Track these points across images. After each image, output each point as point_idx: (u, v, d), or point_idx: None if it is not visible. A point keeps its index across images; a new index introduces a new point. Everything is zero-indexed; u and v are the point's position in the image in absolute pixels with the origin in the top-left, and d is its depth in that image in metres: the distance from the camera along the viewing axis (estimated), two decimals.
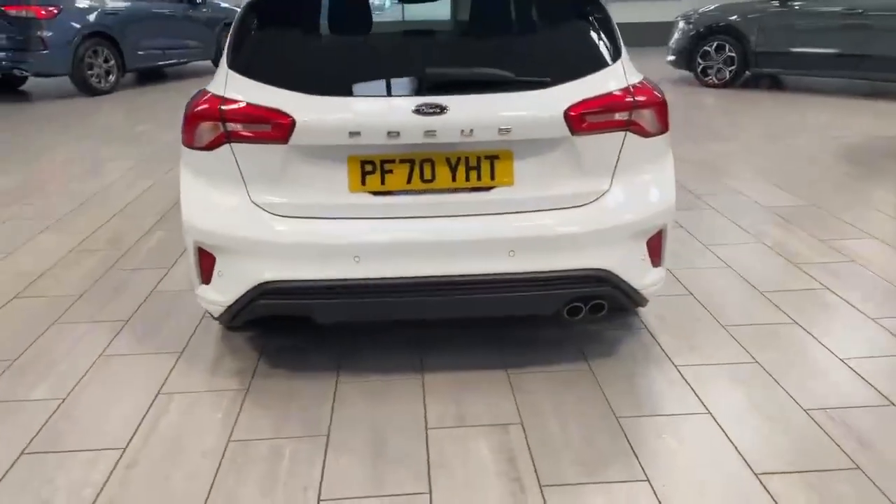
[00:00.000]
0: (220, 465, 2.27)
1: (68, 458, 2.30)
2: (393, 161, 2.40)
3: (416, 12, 2.92)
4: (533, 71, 2.52)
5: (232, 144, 2.40)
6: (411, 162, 2.40)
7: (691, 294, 3.41)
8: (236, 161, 2.42)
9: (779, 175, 5.43)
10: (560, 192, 2.49)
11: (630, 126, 2.49)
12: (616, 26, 2.72)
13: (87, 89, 9.70)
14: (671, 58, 10.17)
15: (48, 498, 2.13)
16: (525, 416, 2.49)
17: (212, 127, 2.41)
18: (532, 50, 2.62)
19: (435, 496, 2.12)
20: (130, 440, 2.39)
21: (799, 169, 5.62)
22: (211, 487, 2.17)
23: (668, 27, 10.35)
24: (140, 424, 2.48)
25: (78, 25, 9.50)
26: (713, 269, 3.70)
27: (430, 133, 2.34)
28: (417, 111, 2.32)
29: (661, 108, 2.58)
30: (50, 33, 9.24)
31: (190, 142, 2.49)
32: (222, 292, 2.52)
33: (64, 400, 2.62)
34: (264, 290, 2.44)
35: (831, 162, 5.81)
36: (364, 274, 2.42)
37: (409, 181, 2.42)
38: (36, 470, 2.25)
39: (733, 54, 9.49)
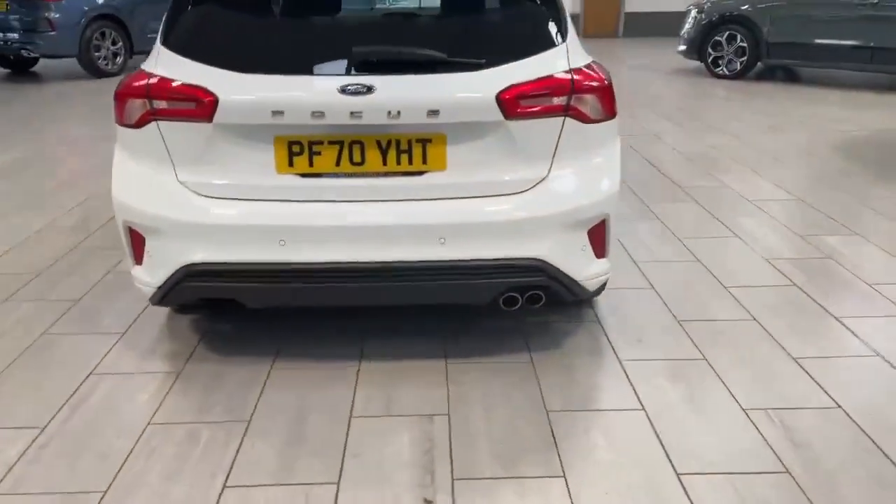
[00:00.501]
0: (133, 447, 2.24)
1: None
2: (321, 142, 2.34)
3: None
4: (468, 52, 2.43)
5: (159, 122, 2.36)
6: (340, 144, 2.34)
7: (653, 288, 3.31)
8: (163, 139, 2.38)
9: (771, 169, 5.27)
10: (495, 179, 2.41)
11: (569, 111, 2.40)
12: (564, 8, 2.62)
13: (94, 71, 9.77)
14: (682, 48, 9.96)
15: None
16: (454, 406, 2.43)
17: (140, 105, 2.37)
18: (471, 31, 2.52)
19: (342, 486, 2.07)
20: (51, 420, 2.37)
21: (794, 163, 5.45)
22: (119, 470, 2.14)
23: (683, 17, 10.14)
24: (64, 404, 2.46)
25: (86, 8, 9.56)
26: (681, 263, 3.59)
27: (356, 114, 2.27)
28: (343, 90, 2.25)
29: (604, 93, 2.48)
30: (57, 15, 9.32)
31: (120, 119, 2.45)
32: (151, 273, 2.49)
33: None
34: (190, 272, 2.40)
35: (829, 156, 5.64)
36: (289, 258, 2.36)
37: (337, 163, 2.35)
38: None
39: (745, 45, 9.27)
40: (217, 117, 2.29)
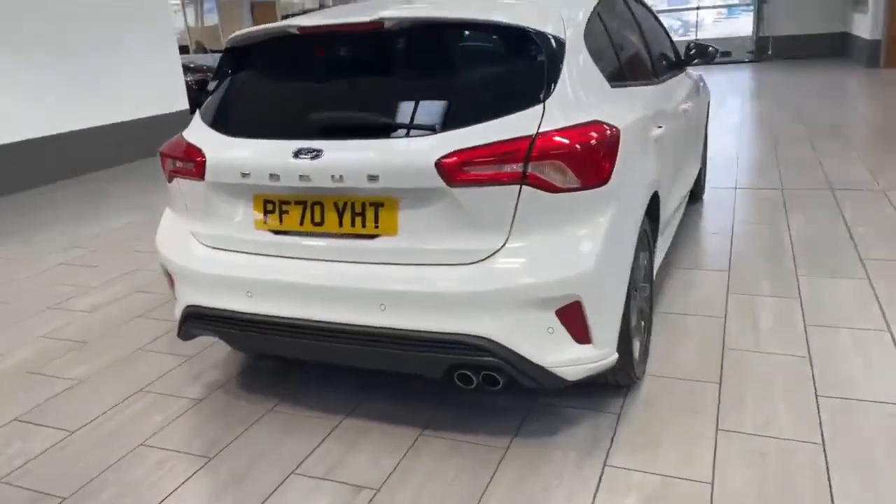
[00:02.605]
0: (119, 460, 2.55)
1: None
2: (289, 202, 2.44)
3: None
4: (421, 115, 2.34)
5: (178, 179, 2.67)
6: (304, 204, 2.42)
7: (716, 382, 2.77)
8: (182, 194, 2.69)
9: None
10: (445, 247, 2.27)
11: (527, 179, 2.18)
12: (564, 61, 2.37)
13: None
14: None
15: None
16: (390, 483, 2.33)
17: (169, 163, 2.71)
18: (441, 92, 2.39)
19: None
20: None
21: None
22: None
23: None
24: (110, 410, 2.89)
25: None
26: (783, 358, 2.94)
27: (304, 177, 2.33)
28: (296, 155, 2.33)
29: (579, 158, 2.20)
30: None
31: (165, 176, 2.82)
32: (176, 310, 2.81)
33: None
34: (189, 313, 2.67)
35: None
36: (253, 309, 2.50)
37: (301, 223, 2.43)
38: None
39: None
40: (207, 176, 2.53)
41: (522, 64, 2.36)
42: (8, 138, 7.31)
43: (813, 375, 2.79)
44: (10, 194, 7.36)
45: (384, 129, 2.31)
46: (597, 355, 2.34)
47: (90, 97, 8.21)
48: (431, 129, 2.25)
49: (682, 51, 4.41)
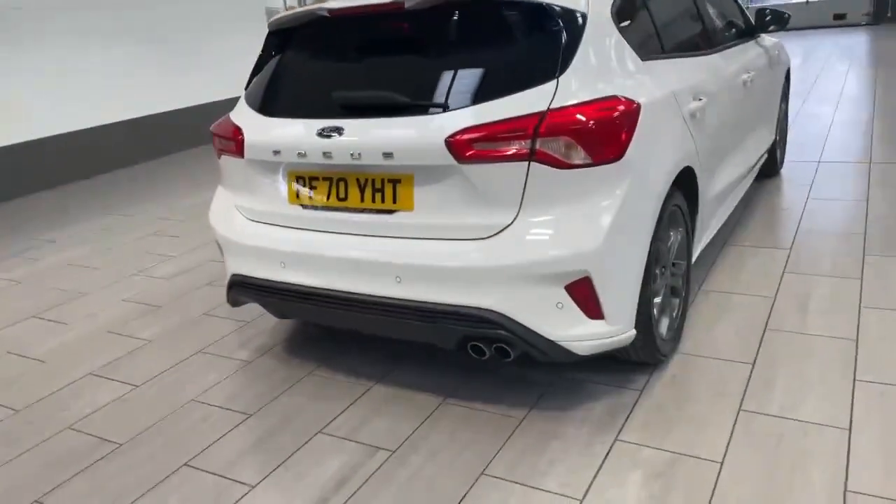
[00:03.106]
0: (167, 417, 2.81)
1: None
2: (317, 178, 2.57)
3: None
4: (434, 93, 2.38)
5: (224, 156, 2.87)
6: (330, 180, 2.54)
7: (750, 363, 2.71)
8: (227, 171, 2.88)
9: None
10: (458, 222, 2.34)
11: (535, 156, 2.20)
12: (584, 35, 2.36)
13: None
14: None
15: None
16: (405, 447, 2.45)
17: (217, 142, 2.90)
18: (450, 71, 2.42)
19: (258, 487, 2.31)
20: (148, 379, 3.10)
21: None
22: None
23: None
24: (170, 368, 3.17)
25: None
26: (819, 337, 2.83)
27: (327, 154, 2.45)
28: (320, 133, 2.45)
29: (590, 135, 2.20)
30: None
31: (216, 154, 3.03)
32: (226, 279, 3.03)
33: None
34: (233, 282, 2.87)
35: None
36: (285, 278, 2.66)
37: (328, 198, 2.56)
38: None
39: None
40: (246, 154, 2.70)
41: (538, 40, 2.37)
42: (112, 118, 7.89)
43: (856, 359, 2.67)
44: (114, 170, 7.96)
45: (400, 108, 2.38)
46: (610, 331, 2.35)
47: (186, 79, 8.70)
48: (444, 107, 2.31)
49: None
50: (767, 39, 4.47)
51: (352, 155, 2.40)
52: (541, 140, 2.19)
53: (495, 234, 2.29)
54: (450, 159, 2.25)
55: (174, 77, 8.55)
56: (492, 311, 2.29)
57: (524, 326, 2.29)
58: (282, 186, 2.67)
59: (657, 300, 2.65)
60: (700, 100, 2.89)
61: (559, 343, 2.32)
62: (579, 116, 2.21)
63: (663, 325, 2.73)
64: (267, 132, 2.63)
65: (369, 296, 2.47)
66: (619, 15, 2.57)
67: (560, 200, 2.25)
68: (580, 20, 2.38)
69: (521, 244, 2.26)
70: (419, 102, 2.37)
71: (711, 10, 3.63)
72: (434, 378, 2.84)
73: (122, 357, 3.37)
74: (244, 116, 2.77)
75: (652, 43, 2.80)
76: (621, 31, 2.55)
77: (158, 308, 3.91)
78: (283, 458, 2.45)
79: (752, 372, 2.67)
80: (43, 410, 2.96)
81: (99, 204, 6.47)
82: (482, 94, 2.30)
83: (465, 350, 2.45)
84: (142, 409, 2.88)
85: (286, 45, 2.84)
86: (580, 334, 2.32)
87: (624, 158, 2.27)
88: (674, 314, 2.85)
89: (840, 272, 3.42)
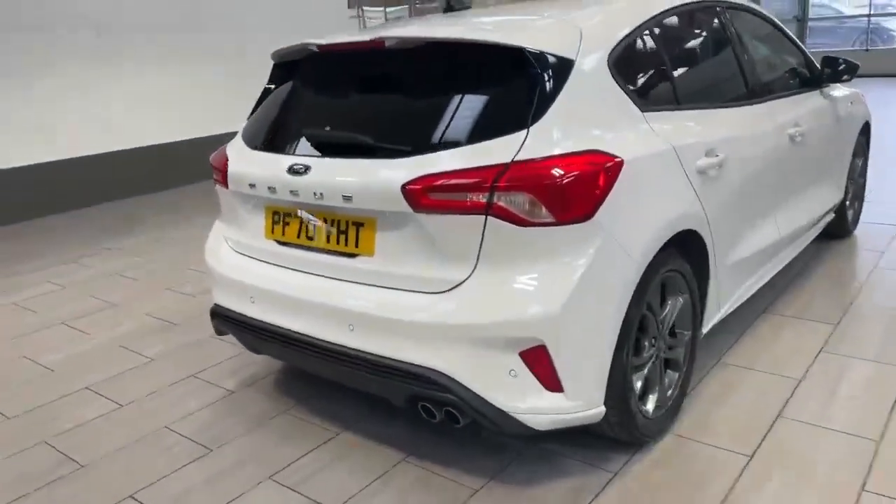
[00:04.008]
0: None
1: None
2: (290, 214, 2.51)
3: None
4: (399, 137, 2.27)
5: (217, 186, 2.86)
6: (300, 217, 2.47)
7: (747, 455, 2.41)
8: (220, 200, 2.87)
9: None
10: (415, 273, 2.20)
11: (492, 210, 2.04)
12: (567, 83, 2.18)
13: None
14: None
15: None
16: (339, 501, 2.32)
17: (213, 171, 2.89)
18: (420, 114, 2.29)
19: None
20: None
21: None
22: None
23: None
24: (159, 390, 3.18)
25: None
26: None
27: (293, 192, 2.38)
28: (289, 169, 2.39)
29: (550, 192, 2.02)
30: None
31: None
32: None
33: None
34: (213, 311, 2.84)
35: None
36: (253, 314, 2.60)
37: (298, 235, 2.49)
38: None
39: None
40: (229, 185, 2.68)
41: (515, 86, 2.21)
42: (185, 135, 8.14)
43: (871, 466, 2.32)
44: (185, 185, 8.18)
45: (365, 149, 2.29)
46: (570, 406, 2.14)
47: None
48: (408, 152, 2.19)
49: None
50: (840, 89, 4.08)
51: (314, 194, 2.32)
52: (499, 194, 2.03)
53: (449, 290, 2.14)
54: (405, 207, 2.13)
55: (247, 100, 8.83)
56: (439, 372, 2.13)
57: (473, 392, 2.11)
58: (260, 220, 2.63)
59: (640, 374, 2.41)
60: (715, 156, 2.63)
61: (512, 414, 2.13)
62: (543, 171, 2.03)
63: (650, 402, 2.48)
64: (246, 164, 2.60)
65: (324, 341, 2.36)
66: (618, 62, 2.38)
67: (519, 259, 2.08)
68: (564, 67, 2.21)
69: (473, 303, 2.10)
70: (384, 145, 2.26)
71: (757, 59, 3.34)
72: (403, 430, 2.69)
73: (121, 373, 3.41)
74: (234, 147, 2.75)
75: (661, 93, 2.58)
76: (619, 79, 2.36)
77: (174, 326, 3.96)
78: (224, 502, 2.37)
79: (746, 466, 2.37)
80: (30, 420, 3.02)
81: (164, 216, 6.72)
82: (449, 140, 2.17)
83: (416, 409, 2.29)
84: (116, 430, 2.88)
85: (285, 77, 2.81)
86: (536, 407, 2.12)
87: (594, 218, 2.07)
88: (669, 390, 2.59)
89: (886, 358, 3.02)
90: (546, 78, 2.18)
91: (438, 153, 2.14)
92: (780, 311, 3.58)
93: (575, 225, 2.06)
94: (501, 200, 2.03)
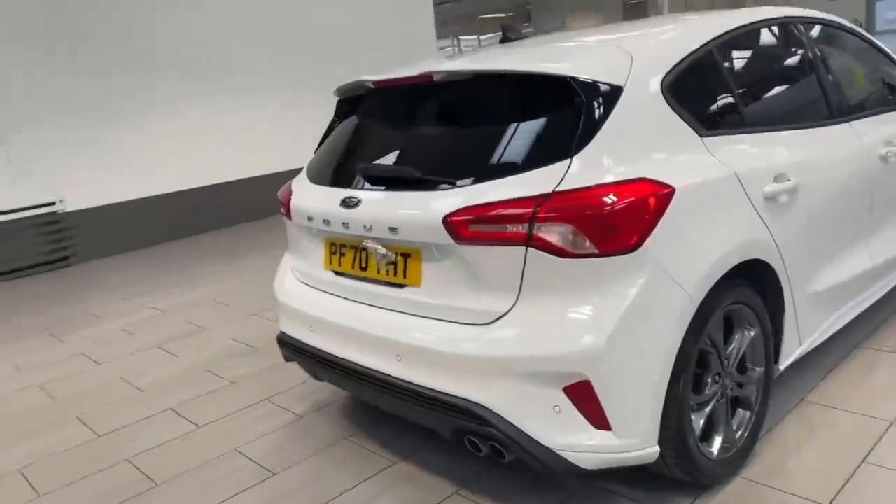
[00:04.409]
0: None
1: None
2: (346, 245, 2.57)
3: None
4: (443, 169, 2.27)
5: (285, 218, 2.97)
6: (356, 249, 2.53)
7: None
8: (288, 232, 2.98)
9: None
10: (459, 305, 2.19)
11: (533, 242, 2.01)
12: (614, 110, 2.12)
13: None
14: None
15: None
16: None
17: (280, 206, 2.99)
18: (465, 147, 2.28)
19: None
20: None
21: None
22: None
23: None
24: (234, 413, 3.32)
25: None
26: None
27: (345, 224, 2.43)
28: (342, 202, 2.45)
29: (592, 223, 1.96)
30: None
31: None
32: None
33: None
34: (279, 339, 2.94)
35: None
36: (312, 342, 2.66)
37: (352, 266, 2.54)
38: None
39: None
40: (292, 217, 2.78)
41: (559, 116, 2.18)
42: (278, 168, 8.49)
43: None
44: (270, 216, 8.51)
45: (411, 182, 2.31)
46: (620, 445, 2.05)
47: None
48: (452, 184, 2.20)
49: None
50: None
51: (364, 226, 2.36)
52: (539, 224, 1.99)
53: (491, 322, 2.12)
54: (447, 238, 2.13)
55: None
56: (481, 405, 2.10)
57: (515, 427, 2.07)
58: (320, 251, 2.70)
59: (702, 413, 2.28)
60: (787, 181, 2.48)
61: (556, 451, 2.06)
62: (585, 201, 1.98)
63: (715, 443, 2.34)
64: (306, 198, 2.69)
65: (374, 370, 2.39)
66: (674, 87, 2.30)
67: (562, 292, 2.03)
68: (611, 94, 2.15)
69: (515, 336, 2.07)
70: (429, 177, 2.28)
71: (840, 76, 3.13)
72: (459, 462, 2.67)
73: (202, 395, 3.58)
74: (299, 181, 2.85)
75: (724, 116, 2.47)
76: (675, 104, 2.27)
77: (255, 350, 4.12)
78: None
79: None
80: (117, 439, 3.22)
81: (262, 243, 7.04)
82: (493, 171, 2.16)
83: (463, 442, 2.26)
84: (191, 451, 3.02)
85: (347, 113, 2.89)
86: (583, 444, 2.05)
87: (641, 249, 2.00)
88: (739, 431, 2.44)
89: None
90: (592, 106, 2.13)
91: (481, 185, 2.13)
92: (877, 344, 3.30)
93: (620, 256, 1.99)
94: (541, 231, 1.99)
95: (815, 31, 3.16)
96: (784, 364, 2.64)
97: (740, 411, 2.48)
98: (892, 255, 3.27)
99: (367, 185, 2.45)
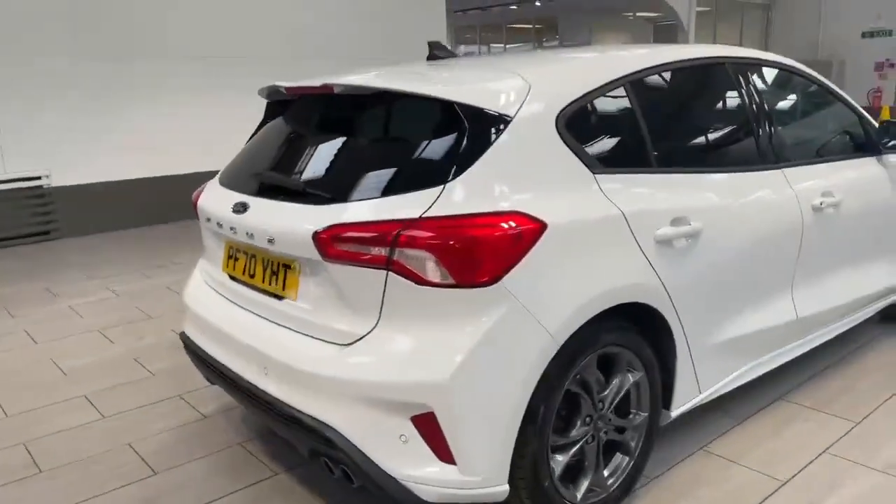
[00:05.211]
0: None
1: None
2: (240, 251, 2.54)
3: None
4: (325, 183, 2.24)
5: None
6: (246, 254, 2.50)
7: None
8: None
9: None
10: (326, 323, 2.15)
11: (392, 266, 1.97)
12: (498, 140, 2.07)
13: None
14: None
15: None
16: None
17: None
18: (349, 162, 2.25)
19: None
20: None
21: None
22: None
23: None
24: (144, 407, 3.31)
25: None
26: None
27: (233, 229, 2.41)
28: (233, 207, 2.43)
29: (449, 252, 1.92)
30: None
31: None
32: None
33: None
34: (181, 337, 2.91)
35: None
36: (202, 345, 2.64)
37: (244, 272, 2.51)
38: None
39: None
40: (199, 217, 2.76)
41: (442, 141, 2.13)
42: None
43: None
44: None
45: (294, 193, 2.28)
46: (464, 481, 2.00)
47: None
48: (328, 199, 2.16)
49: None
50: None
51: (247, 234, 2.34)
52: (399, 250, 1.95)
53: (350, 344, 2.08)
54: (316, 255, 2.10)
55: None
56: (333, 428, 2.06)
57: (363, 454, 2.02)
58: (221, 253, 2.68)
59: (566, 454, 2.22)
60: (688, 225, 2.41)
61: (402, 482, 2.01)
62: (446, 230, 1.93)
63: (581, 487, 2.28)
64: (209, 199, 2.67)
65: (247, 381, 2.36)
66: (572, 120, 2.24)
67: (418, 320, 1.98)
68: (497, 123, 2.10)
69: (368, 361, 2.03)
70: (311, 190, 2.24)
71: (777, 121, 3.05)
72: (338, 480, 2.62)
73: (120, 385, 3.58)
74: (212, 181, 2.83)
75: (626, 154, 2.41)
76: (571, 137, 2.22)
77: None
78: None
79: None
80: (22, 421, 3.22)
81: None
82: (370, 190, 2.12)
83: (320, 463, 2.23)
84: (86, 442, 3.01)
85: (270, 117, 2.87)
86: (427, 477, 2.00)
87: (500, 284, 1.95)
88: (612, 477, 2.38)
89: None
90: (474, 133, 2.09)
91: (355, 203, 2.09)
92: (800, 399, 3.21)
93: (478, 289, 1.94)
94: (401, 257, 1.95)
95: (760, 74, 3.09)
96: (677, 411, 2.57)
97: (619, 455, 2.42)
98: (823, 309, 3.18)
99: (258, 192, 2.42)
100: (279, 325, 2.31)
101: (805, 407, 3.13)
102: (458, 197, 2.00)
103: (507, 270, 1.96)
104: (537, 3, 18.99)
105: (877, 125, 3.52)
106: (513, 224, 1.98)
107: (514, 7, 19.77)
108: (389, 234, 1.96)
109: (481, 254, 1.93)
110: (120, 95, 7.53)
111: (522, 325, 1.99)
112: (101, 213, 7.48)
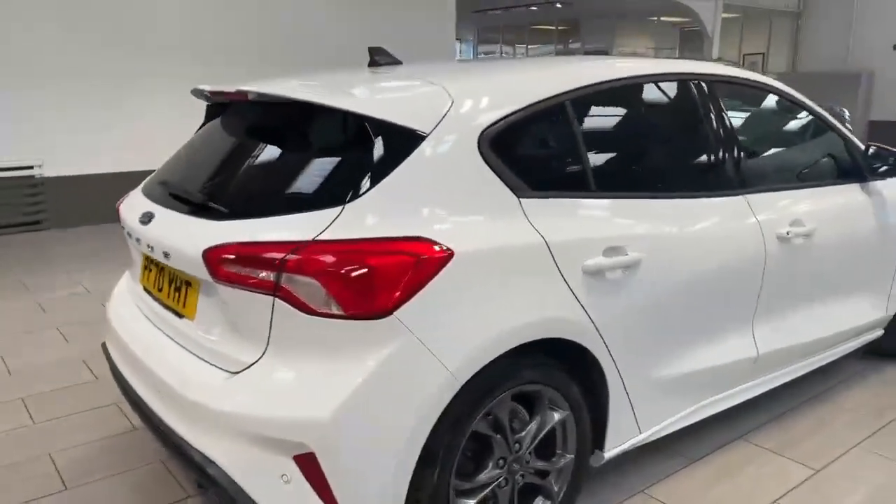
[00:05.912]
0: None
1: None
2: (152, 262, 2.41)
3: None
4: (222, 197, 2.09)
5: None
6: (157, 266, 2.37)
7: None
8: None
9: None
10: (218, 348, 2.01)
11: (279, 292, 1.82)
12: (409, 158, 1.92)
13: None
14: None
15: None
16: None
17: None
18: (248, 176, 2.12)
19: None
20: None
21: None
22: None
23: None
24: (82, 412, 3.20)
25: None
26: None
27: (138, 240, 2.29)
28: (140, 217, 2.29)
29: (338, 281, 1.76)
30: None
31: None
32: None
33: None
34: (103, 349, 2.77)
35: None
36: (114, 356, 2.52)
37: (154, 285, 2.38)
38: None
39: None
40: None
41: (349, 157, 1.98)
42: None
43: None
44: None
45: (196, 206, 2.14)
46: None
47: None
48: (224, 215, 2.01)
49: None
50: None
51: (148, 246, 2.21)
52: (287, 275, 1.80)
53: (237, 372, 1.93)
54: (206, 274, 1.95)
55: None
56: (214, 463, 1.91)
57: (244, 493, 1.87)
58: (140, 262, 2.55)
59: (473, 498, 2.06)
60: (624, 255, 2.23)
61: None
62: (336, 256, 1.78)
63: None
64: (127, 206, 2.54)
65: (143, 400, 2.23)
66: (498, 138, 2.07)
67: (304, 351, 1.83)
68: (409, 140, 1.95)
69: (251, 392, 1.88)
70: (210, 204, 2.10)
71: (743, 143, 2.84)
72: None
73: (60, 388, 3.48)
74: (136, 189, 2.70)
75: (559, 177, 2.24)
76: (495, 157, 2.05)
77: None
78: None
79: None
80: None
81: None
82: (269, 207, 1.97)
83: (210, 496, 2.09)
84: (8, 449, 2.91)
85: (206, 120, 2.73)
86: None
87: (394, 316, 1.79)
88: None
89: None
90: (382, 150, 1.93)
91: (251, 220, 1.94)
92: (760, 440, 3.00)
93: (369, 321, 1.79)
94: (289, 283, 1.80)
95: (730, 93, 2.88)
96: (611, 452, 2.39)
97: (540, 500, 2.25)
98: (790, 345, 2.97)
99: (166, 202, 2.28)
100: (179, 344, 2.18)
101: (764, 449, 2.93)
102: (357, 219, 1.84)
103: (402, 301, 1.80)
104: (558, 6, 18.70)
105: (862, 148, 3.30)
106: (413, 251, 1.82)
107: (535, 8, 19.50)
108: (278, 258, 1.81)
109: (373, 283, 1.78)
110: (119, 88, 7.48)
111: (417, 361, 1.83)
112: (92, 204, 7.42)
